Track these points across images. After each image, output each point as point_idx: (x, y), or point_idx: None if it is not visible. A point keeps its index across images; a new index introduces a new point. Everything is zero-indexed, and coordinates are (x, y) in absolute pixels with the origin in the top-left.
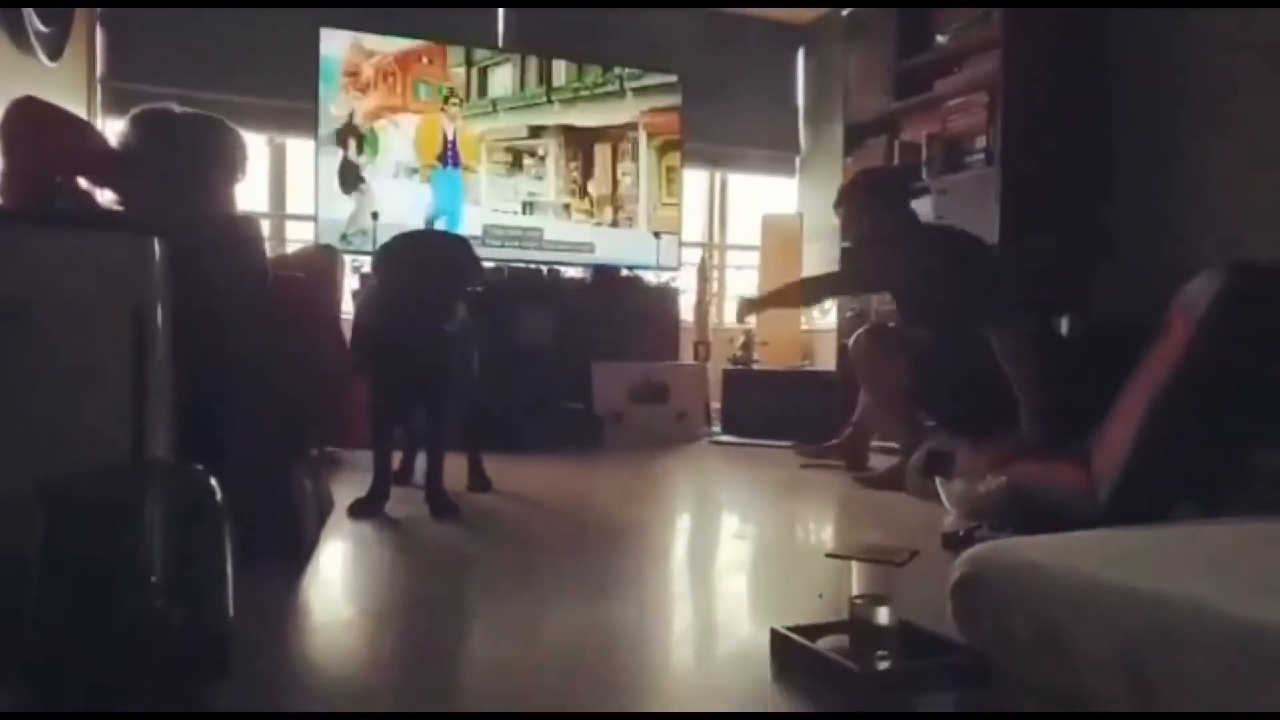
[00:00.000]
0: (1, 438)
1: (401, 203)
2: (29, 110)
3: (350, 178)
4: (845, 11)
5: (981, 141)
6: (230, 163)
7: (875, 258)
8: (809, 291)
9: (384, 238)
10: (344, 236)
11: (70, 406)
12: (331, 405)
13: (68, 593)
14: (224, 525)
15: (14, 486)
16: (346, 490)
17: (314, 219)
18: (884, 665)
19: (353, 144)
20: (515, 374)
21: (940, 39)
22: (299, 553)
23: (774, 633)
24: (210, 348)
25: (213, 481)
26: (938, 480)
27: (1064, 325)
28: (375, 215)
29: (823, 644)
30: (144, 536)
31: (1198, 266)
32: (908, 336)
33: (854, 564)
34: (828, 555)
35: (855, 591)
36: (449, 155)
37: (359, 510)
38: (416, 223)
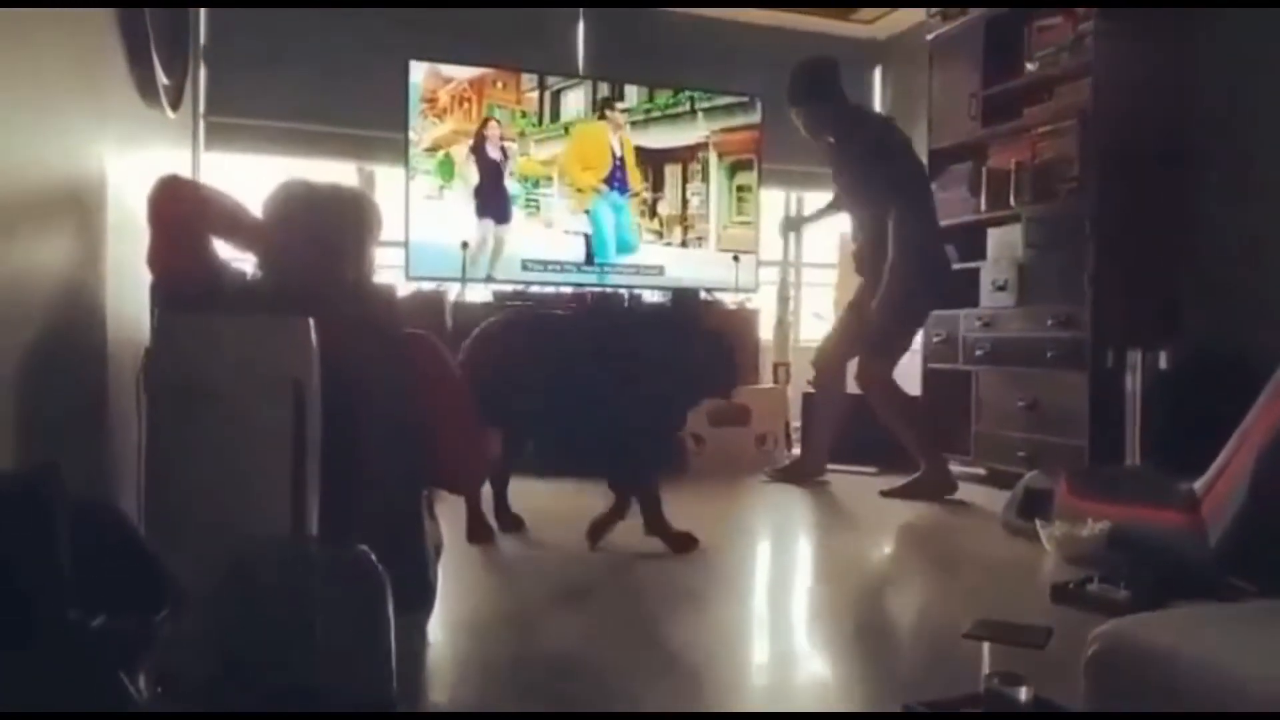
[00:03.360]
0: (186, 509)
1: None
2: (174, 187)
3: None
4: (930, 35)
5: (1073, 170)
6: (366, 232)
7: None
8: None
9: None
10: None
11: (242, 479)
12: (462, 454)
13: (245, 655)
14: (387, 605)
15: (200, 555)
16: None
17: (404, 245)
18: None
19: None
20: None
21: (1030, 66)
22: (428, 603)
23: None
24: (350, 411)
25: (375, 561)
26: (1037, 522)
27: (1161, 359)
28: (465, 245)
29: None
30: (310, 614)
31: None
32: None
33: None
34: (964, 636)
35: (987, 669)
36: (617, 176)
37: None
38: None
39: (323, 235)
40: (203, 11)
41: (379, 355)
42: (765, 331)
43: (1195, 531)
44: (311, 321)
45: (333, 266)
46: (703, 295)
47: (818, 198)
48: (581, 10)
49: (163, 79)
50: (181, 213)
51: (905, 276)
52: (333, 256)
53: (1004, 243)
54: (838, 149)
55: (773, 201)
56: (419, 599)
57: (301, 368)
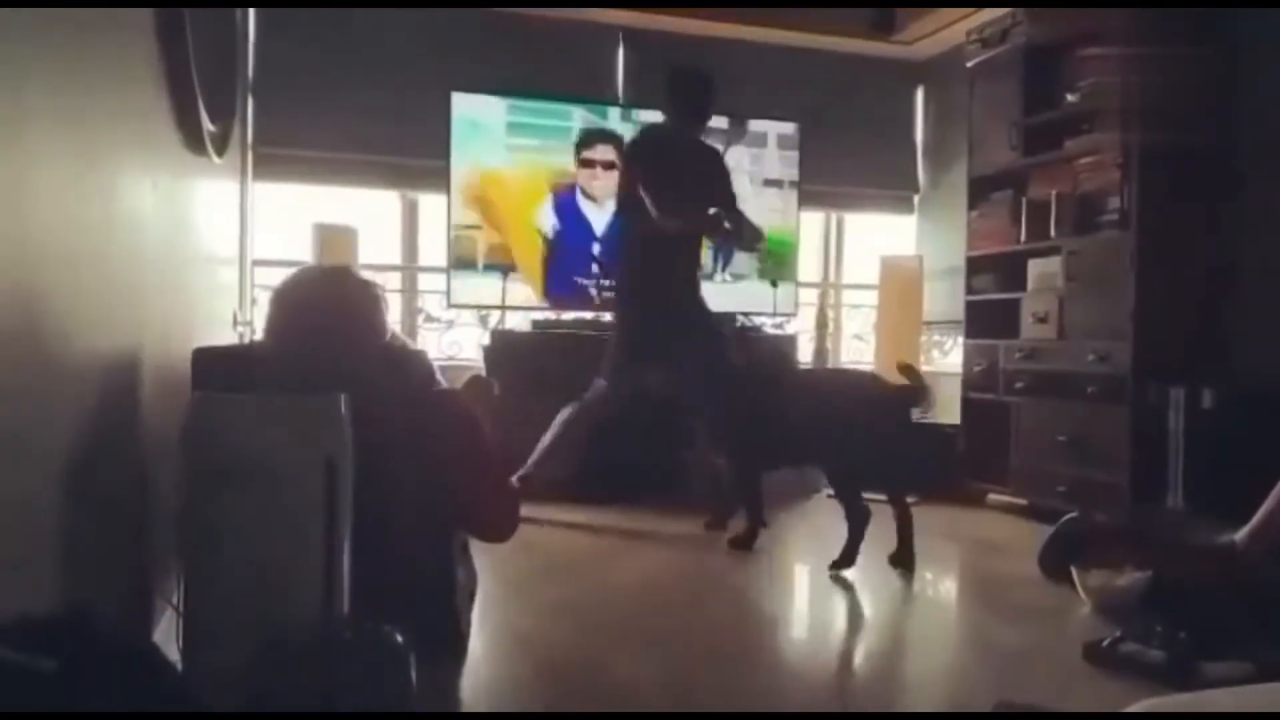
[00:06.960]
0: (225, 592)
1: None
2: None
3: None
4: (970, 62)
5: (1115, 202)
6: (377, 304)
7: None
8: None
9: None
10: None
11: (275, 557)
12: (498, 504)
13: None
14: (412, 686)
15: (238, 638)
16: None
17: (446, 272)
18: None
19: None
20: (639, 428)
21: (1071, 97)
22: (458, 653)
23: None
24: (379, 473)
25: (401, 643)
26: (1074, 568)
27: (1205, 397)
28: (505, 272)
29: None
30: (340, 696)
31: None
32: None
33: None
34: (995, 705)
35: None
36: None
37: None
38: None
39: (340, 307)
40: (250, 44)
41: (407, 416)
42: (804, 355)
43: (1233, 587)
44: (343, 397)
45: (355, 337)
46: (739, 321)
47: (858, 219)
48: (621, 35)
49: (209, 126)
50: None
51: None
52: (354, 327)
53: (1044, 274)
54: (708, 165)
55: (812, 223)
56: (450, 653)
57: (335, 446)
